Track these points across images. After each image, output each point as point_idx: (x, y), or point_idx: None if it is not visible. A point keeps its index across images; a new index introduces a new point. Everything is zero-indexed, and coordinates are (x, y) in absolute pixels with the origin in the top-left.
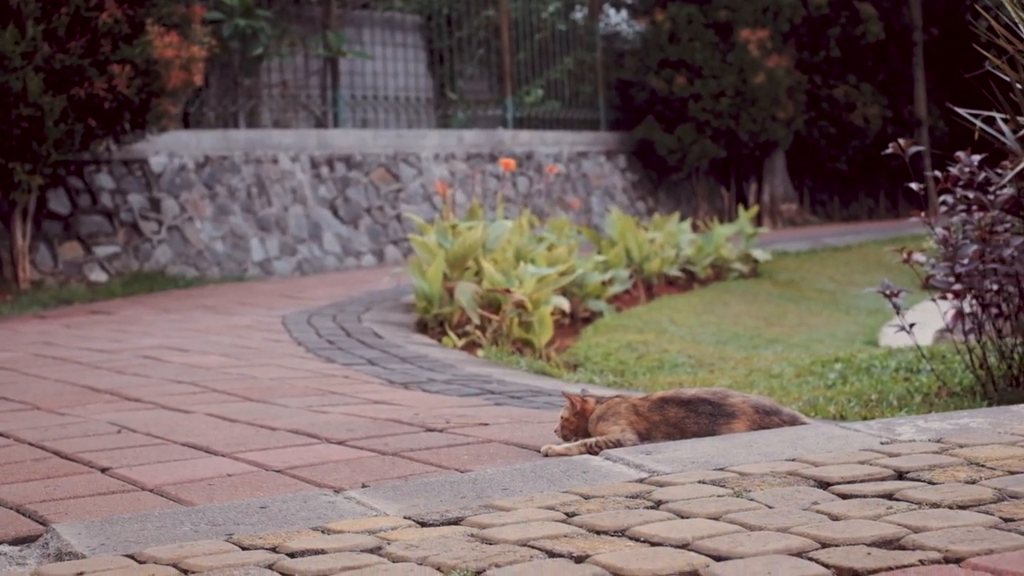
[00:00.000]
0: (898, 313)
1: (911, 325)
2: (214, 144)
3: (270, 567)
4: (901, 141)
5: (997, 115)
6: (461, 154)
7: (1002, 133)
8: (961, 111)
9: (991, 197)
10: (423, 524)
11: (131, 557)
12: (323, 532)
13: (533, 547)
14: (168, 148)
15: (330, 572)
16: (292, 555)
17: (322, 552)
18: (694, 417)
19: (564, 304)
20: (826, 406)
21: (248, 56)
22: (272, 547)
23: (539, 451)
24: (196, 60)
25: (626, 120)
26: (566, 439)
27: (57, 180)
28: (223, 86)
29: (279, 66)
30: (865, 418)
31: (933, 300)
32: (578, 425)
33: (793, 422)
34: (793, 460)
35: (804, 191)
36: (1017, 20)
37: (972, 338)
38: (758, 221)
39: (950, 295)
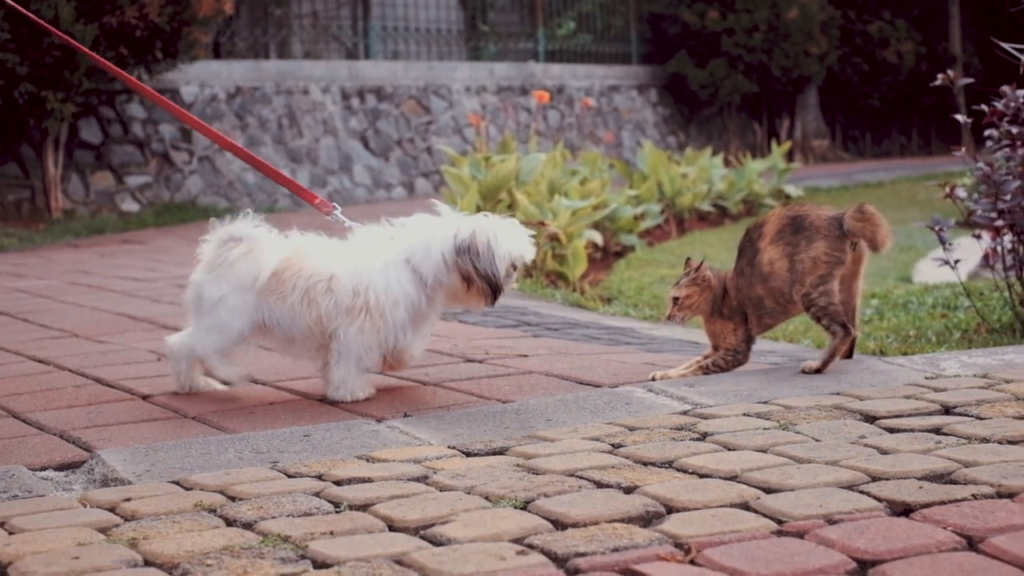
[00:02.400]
0: (944, 247)
1: (956, 261)
2: (245, 74)
3: (317, 495)
4: (950, 72)
5: None
6: (492, 87)
7: None
8: (1005, 45)
9: None
10: (468, 454)
11: (177, 483)
12: (368, 461)
13: (581, 477)
14: (199, 78)
15: (378, 500)
16: (339, 483)
17: (369, 480)
18: None
19: (597, 238)
20: (865, 341)
21: None
22: (318, 475)
23: (580, 382)
24: None
25: (658, 54)
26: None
27: (89, 109)
28: (254, 16)
29: None
30: (905, 353)
31: (975, 236)
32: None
33: None
34: (838, 394)
35: (836, 127)
36: None
37: (1012, 275)
38: (790, 157)
39: (990, 232)
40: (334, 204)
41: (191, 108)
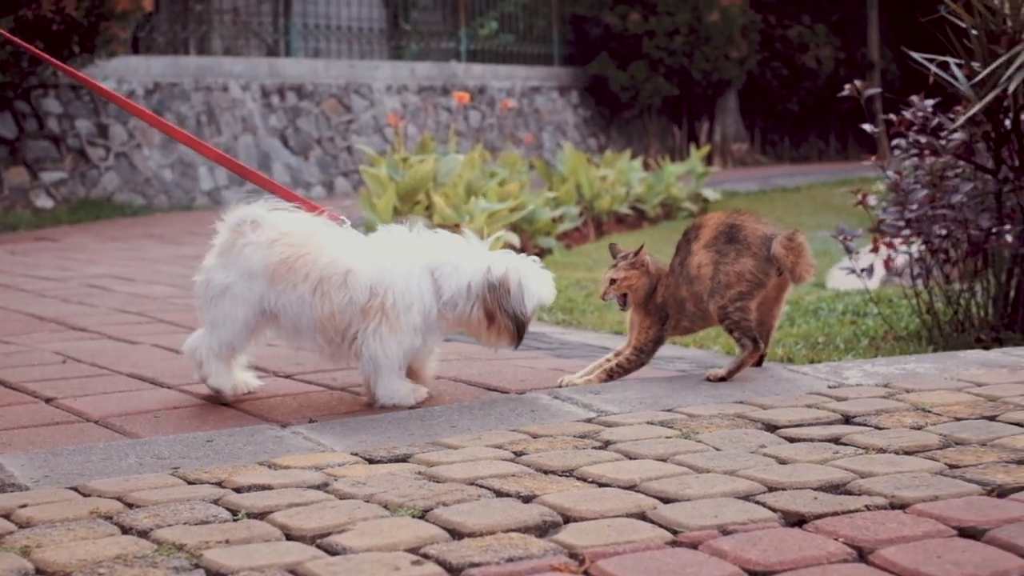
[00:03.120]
0: (850, 256)
1: (863, 269)
2: (164, 70)
3: (216, 502)
4: (857, 83)
5: (951, 60)
6: (413, 86)
7: (955, 78)
8: (915, 55)
9: (943, 142)
10: (371, 461)
11: (75, 490)
12: (270, 467)
13: (481, 486)
14: (117, 73)
15: (276, 508)
16: (238, 490)
17: (268, 488)
18: None
19: (514, 240)
20: (773, 348)
21: None
22: (218, 481)
23: (487, 388)
24: None
25: (580, 56)
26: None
27: (3, 103)
28: (173, 11)
29: None
30: (812, 361)
31: (885, 244)
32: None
33: None
34: (741, 403)
35: (755, 131)
36: None
37: (920, 283)
38: (709, 160)
39: (899, 240)
40: (343, 217)
41: (108, 104)
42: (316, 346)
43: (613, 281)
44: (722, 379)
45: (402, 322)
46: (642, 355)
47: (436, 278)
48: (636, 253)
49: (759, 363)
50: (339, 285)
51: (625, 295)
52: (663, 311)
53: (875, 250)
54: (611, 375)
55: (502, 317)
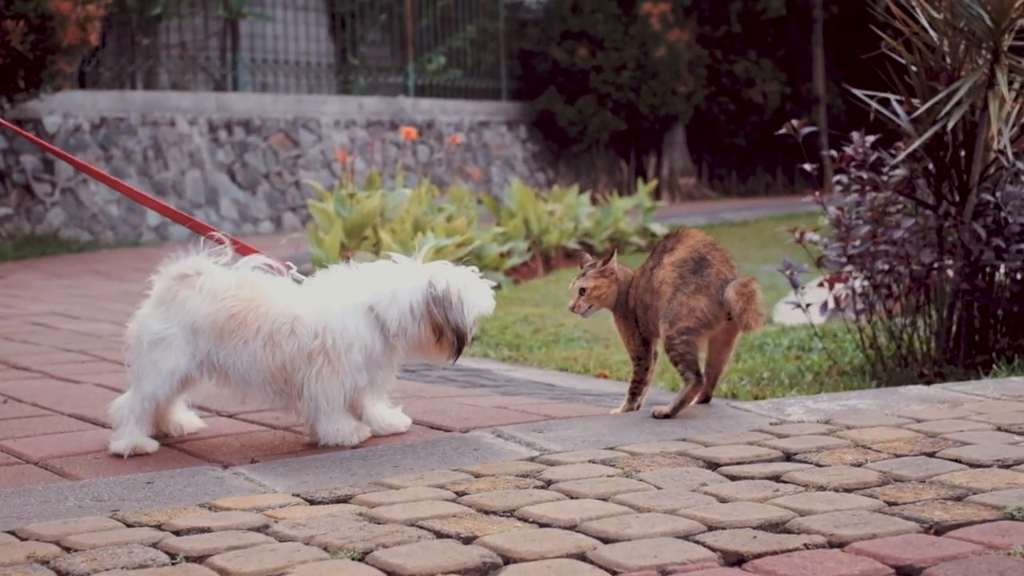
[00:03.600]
0: (796, 291)
1: (808, 305)
2: (110, 105)
3: (154, 545)
4: (795, 121)
5: (892, 96)
6: (362, 121)
7: (896, 114)
8: (857, 92)
9: (884, 178)
10: (312, 502)
11: (12, 533)
12: (210, 509)
13: (422, 527)
14: (63, 108)
15: (215, 551)
16: (178, 533)
17: (208, 530)
18: None
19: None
20: (718, 384)
21: (146, 16)
22: (158, 524)
23: (431, 427)
24: (92, 19)
25: (528, 90)
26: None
27: None
28: (120, 46)
29: (178, 27)
30: (757, 397)
31: (825, 281)
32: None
33: None
34: (683, 440)
35: (703, 165)
36: (914, 2)
37: (863, 318)
38: (657, 195)
39: (842, 275)
40: (289, 263)
41: (54, 139)
42: (266, 398)
43: (583, 291)
44: (667, 416)
45: (343, 362)
46: (642, 362)
47: (377, 313)
48: (605, 261)
49: (706, 400)
50: (288, 334)
51: (592, 305)
52: (634, 314)
53: (830, 285)
54: (634, 394)
55: (447, 330)
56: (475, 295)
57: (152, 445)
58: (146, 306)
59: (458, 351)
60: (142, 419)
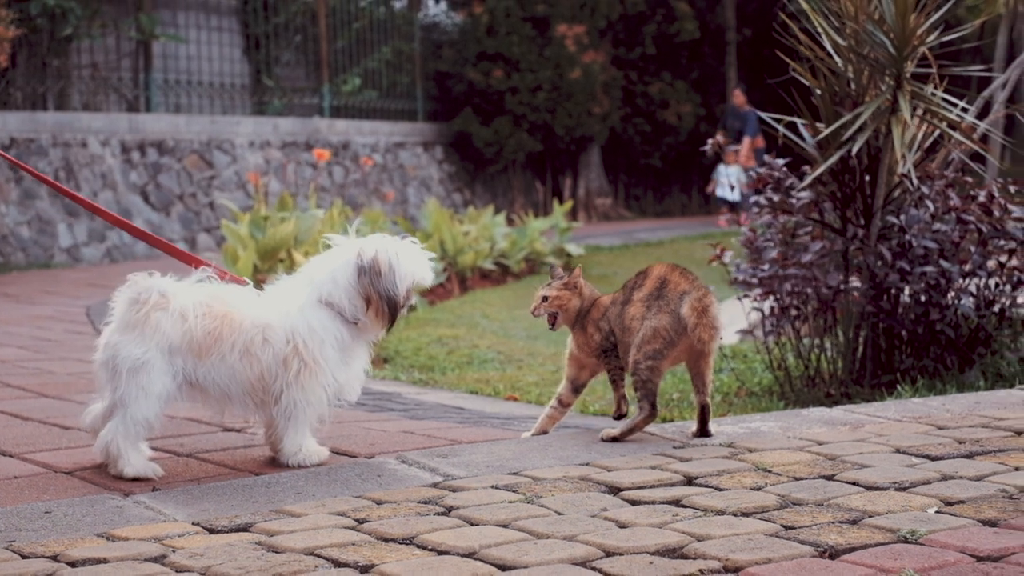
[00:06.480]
0: None
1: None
2: (20, 126)
3: None
4: (719, 137)
5: (799, 120)
6: (276, 142)
7: (803, 138)
8: (765, 115)
9: (794, 201)
10: (211, 531)
11: None
12: (108, 539)
13: (320, 556)
14: None
15: None
16: (73, 564)
17: (104, 561)
18: None
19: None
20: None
21: (57, 36)
22: (53, 555)
23: (336, 452)
24: (2, 40)
25: (444, 112)
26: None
27: None
28: (31, 66)
29: (90, 47)
30: (664, 420)
31: (738, 299)
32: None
33: None
34: (587, 464)
35: (619, 186)
36: (820, 29)
37: (771, 339)
38: (573, 215)
39: (752, 296)
40: (246, 280)
41: None
42: (247, 410)
43: (545, 299)
44: (615, 439)
45: (320, 362)
46: (608, 354)
47: (328, 303)
48: (571, 275)
49: (703, 409)
50: (262, 343)
51: (555, 315)
52: (597, 325)
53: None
54: (618, 383)
55: (377, 300)
56: (408, 264)
57: (154, 471)
58: (112, 332)
59: (392, 319)
60: (137, 444)
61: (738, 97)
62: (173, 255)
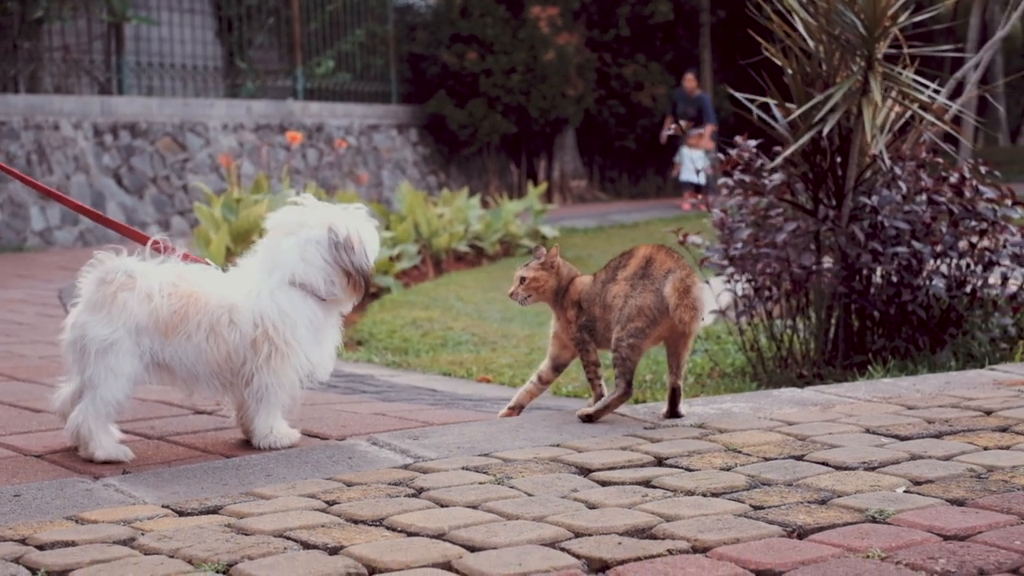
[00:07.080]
0: None
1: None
2: None
3: (17, 560)
4: (683, 123)
5: (771, 101)
6: (250, 124)
7: (775, 119)
8: (739, 96)
9: (765, 182)
10: (181, 513)
11: None
12: (77, 522)
13: (289, 538)
14: None
15: (78, 566)
16: (41, 547)
17: (72, 544)
18: None
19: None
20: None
21: (28, 19)
22: (22, 538)
23: (307, 435)
24: None
25: (418, 94)
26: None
27: None
28: (1, 49)
29: (61, 30)
30: (637, 400)
31: (707, 282)
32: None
33: None
34: (557, 445)
35: (594, 168)
36: (791, 9)
37: (744, 320)
38: (548, 197)
39: (726, 275)
40: (208, 260)
41: None
42: (214, 391)
43: (523, 280)
44: (589, 417)
45: (293, 345)
46: (585, 344)
47: (301, 283)
48: (548, 254)
49: (674, 391)
50: (228, 324)
51: (530, 295)
52: (578, 305)
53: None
54: (595, 381)
55: (356, 274)
56: (369, 238)
57: (125, 454)
58: (80, 312)
59: (366, 292)
60: (107, 426)
61: (690, 82)
62: (120, 232)
